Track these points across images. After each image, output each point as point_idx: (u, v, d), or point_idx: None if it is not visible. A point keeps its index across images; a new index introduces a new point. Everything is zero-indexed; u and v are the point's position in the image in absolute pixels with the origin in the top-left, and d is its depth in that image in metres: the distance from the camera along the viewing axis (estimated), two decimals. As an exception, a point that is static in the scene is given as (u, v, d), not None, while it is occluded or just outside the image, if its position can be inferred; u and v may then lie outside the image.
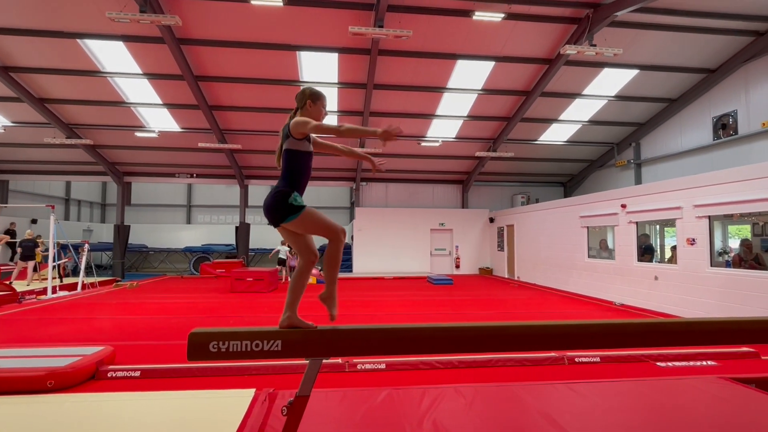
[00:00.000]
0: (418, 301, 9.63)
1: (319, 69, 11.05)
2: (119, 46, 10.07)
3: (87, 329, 6.49)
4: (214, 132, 13.24)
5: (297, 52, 10.44)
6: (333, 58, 10.64)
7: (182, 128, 13.60)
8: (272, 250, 14.23)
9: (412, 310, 8.37)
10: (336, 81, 11.51)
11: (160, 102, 12.26)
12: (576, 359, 4.85)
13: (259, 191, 20.36)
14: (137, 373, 4.21)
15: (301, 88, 2.67)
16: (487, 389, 3.77)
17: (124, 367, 4.31)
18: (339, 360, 4.52)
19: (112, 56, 10.49)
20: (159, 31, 9.13)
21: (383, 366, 4.57)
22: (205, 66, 10.94)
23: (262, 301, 9.56)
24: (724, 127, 10.96)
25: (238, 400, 3.41)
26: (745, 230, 8.94)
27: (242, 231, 16.49)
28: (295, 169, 2.51)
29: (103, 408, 3.29)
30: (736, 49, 10.38)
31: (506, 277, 15.37)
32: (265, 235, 18.80)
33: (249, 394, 3.54)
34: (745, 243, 7.40)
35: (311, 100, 2.59)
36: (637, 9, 8.59)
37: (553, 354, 4.83)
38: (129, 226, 16.55)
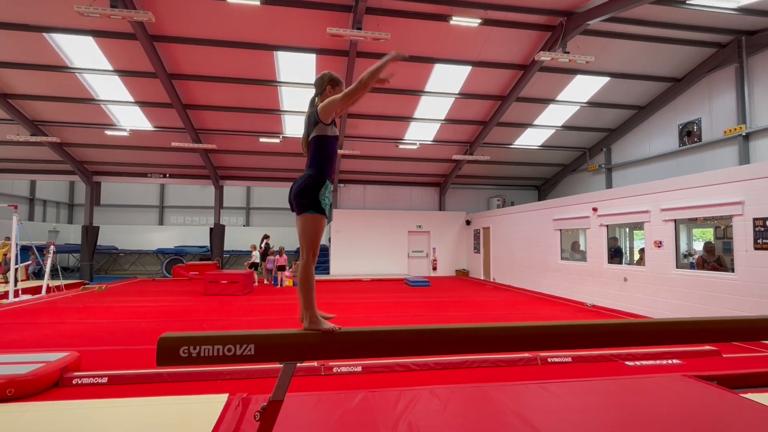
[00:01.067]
0: (395, 303, 9.65)
1: (297, 69, 10.96)
2: (88, 41, 9.75)
3: (51, 334, 6.24)
4: (188, 131, 12.96)
5: (274, 52, 10.33)
6: (311, 58, 10.57)
7: (155, 127, 13.26)
8: (247, 252, 14.02)
9: (389, 312, 8.37)
10: (314, 82, 11.42)
11: (132, 100, 11.92)
12: (549, 360, 4.94)
13: (235, 192, 20.05)
14: (104, 380, 4.08)
15: (320, 73, 2.65)
16: (462, 390, 3.80)
17: (90, 373, 4.16)
18: (315, 363, 4.48)
19: (81, 51, 10.14)
20: (131, 26, 8.89)
21: (359, 369, 4.56)
22: (180, 64, 10.70)
23: (237, 304, 9.40)
24: (689, 134, 11.41)
25: (210, 406, 3.34)
26: (709, 233, 9.33)
27: (217, 232, 16.18)
28: (326, 155, 2.46)
29: (67, 416, 3.16)
30: (701, 59, 10.83)
31: (482, 278, 15.56)
32: (241, 237, 18.53)
33: (222, 399, 3.47)
34: (707, 246, 7.71)
35: (331, 85, 2.58)
36: (609, 18, 8.86)
37: (526, 355, 4.92)
38: (98, 227, 16.00)
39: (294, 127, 13.57)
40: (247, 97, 11.96)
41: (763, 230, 6.04)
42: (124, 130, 13.18)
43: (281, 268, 13.33)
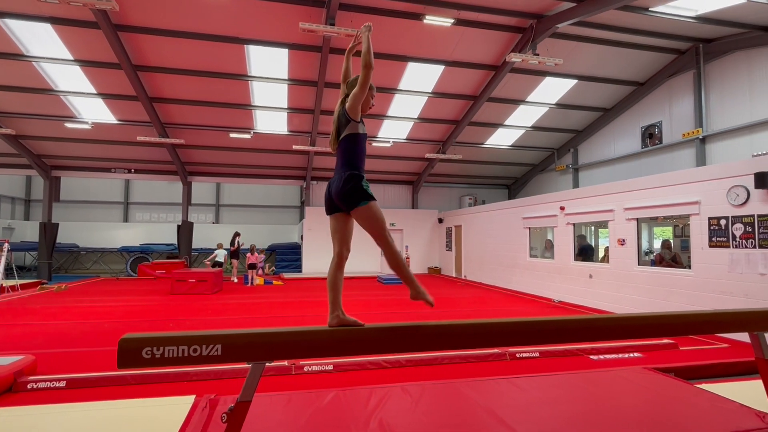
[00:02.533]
0: (368, 301, 9.64)
1: (269, 64, 10.76)
2: (47, 28, 9.27)
3: (5, 337, 5.92)
4: (154, 125, 12.54)
5: (245, 46, 10.11)
6: (283, 53, 10.41)
7: (119, 120, 12.76)
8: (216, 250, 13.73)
9: (361, 310, 8.36)
10: (286, 77, 11.27)
11: (94, 91, 11.43)
12: (517, 355, 5.05)
13: (204, 188, 19.55)
14: (62, 384, 3.90)
15: (354, 77, 2.74)
16: (433, 387, 3.84)
17: (47, 377, 3.97)
18: (285, 362, 4.43)
19: (38, 39, 9.63)
20: (93, 14, 8.51)
21: (331, 367, 4.53)
22: (146, 55, 10.33)
23: (205, 304, 9.18)
24: (651, 136, 11.87)
25: (176, 408, 3.24)
26: (669, 232, 9.74)
27: (185, 230, 15.74)
28: (359, 152, 2.54)
29: (21, 423, 3.00)
30: (662, 64, 11.28)
31: (454, 276, 15.76)
32: (209, 234, 18.09)
33: (188, 401, 3.38)
34: (665, 244, 8.06)
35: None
36: (577, 22, 9.10)
37: (496, 350, 5.01)
38: (57, 224, 15.27)
39: (265, 122, 13.34)
40: (217, 91, 11.67)
41: (717, 229, 6.36)
42: (86, 122, 12.63)
43: (252, 267, 13.10)
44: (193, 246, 16.57)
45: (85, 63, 10.33)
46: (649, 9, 8.72)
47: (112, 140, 13.77)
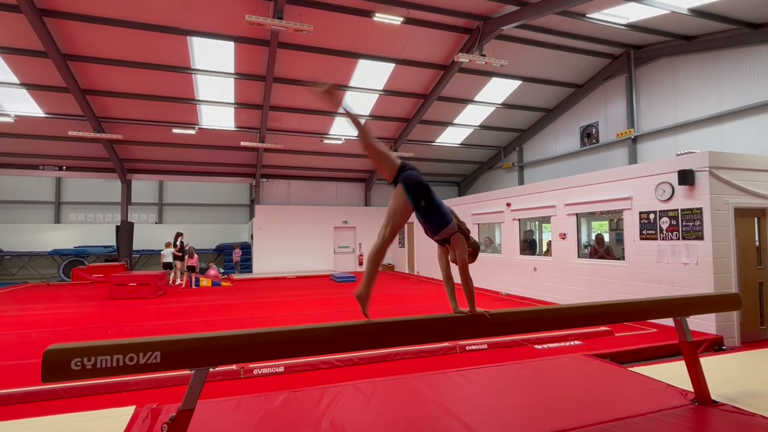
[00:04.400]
0: (319, 300, 9.54)
1: (214, 57, 10.35)
2: (-41, 11, 8.40)
3: None
4: (88, 119, 11.70)
5: (188, 38, 9.66)
6: (229, 46, 10.04)
7: (47, 113, 11.80)
8: (160, 251, 13.07)
9: (313, 310, 8.26)
10: (232, 71, 10.89)
11: (17, 81, 10.49)
12: (467, 347, 5.19)
13: (146, 187, 18.49)
14: (-19, 402, 3.55)
15: None
16: (385, 383, 3.86)
17: (-37, 395, 3.61)
18: (233, 366, 4.29)
19: (-52, 22, 8.71)
20: (14, -2, 7.81)
21: (282, 369, 4.44)
22: (76, 44, 9.60)
23: (147, 308, 8.71)
24: (589, 135, 12.59)
25: (114, 421, 3.06)
26: (605, 226, 10.36)
27: (124, 230, 14.82)
28: None
29: (-70, 448, 2.71)
30: (598, 68, 11.98)
31: (407, 272, 15.94)
32: (152, 235, 17.18)
33: (128, 412, 3.20)
34: (598, 237, 8.59)
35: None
36: (521, 25, 9.46)
37: (446, 344, 5.12)
38: (-25, 226, 13.91)
39: (211, 117, 12.83)
40: (158, 85, 11.08)
41: (647, 222, 6.84)
42: (8, 115, 11.58)
43: (191, 269, 12.52)
44: (135, 247, 15.66)
45: (6, 50, 9.46)
46: (586, 15, 9.22)
47: (40, 135, 12.72)
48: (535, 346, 5.38)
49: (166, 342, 1.93)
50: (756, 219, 6.24)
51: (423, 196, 2.59)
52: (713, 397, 3.34)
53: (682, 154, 6.55)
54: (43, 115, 11.84)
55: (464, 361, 4.78)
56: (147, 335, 5.63)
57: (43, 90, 10.86)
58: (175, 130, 12.94)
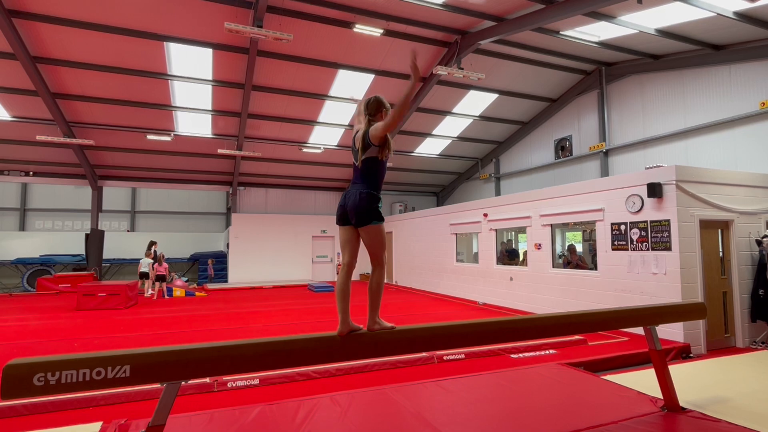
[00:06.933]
0: (296, 310, 9.42)
1: (191, 64, 10.21)
2: None
3: None
4: (58, 124, 11.34)
5: (165, 43, 9.51)
6: (207, 53, 9.93)
7: (14, 117, 11.39)
8: (133, 260, 12.66)
9: (289, 320, 8.15)
10: (210, 78, 10.77)
11: (-18, 83, 10.12)
12: (444, 357, 5.21)
13: (118, 194, 17.99)
14: (-66, 420, 3.36)
15: (373, 97, 2.80)
16: (362, 395, 3.83)
17: None
18: (207, 379, 4.18)
19: None
20: (-19, -2, 7.55)
21: (257, 381, 4.36)
22: (47, 46, 9.33)
23: (117, 319, 8.42)
24: (563, 148, 12.93)
25: (78, 438, 2.93)
26: (579, 236, 10.62)
27: (94, 239, 14.33)
28: (378, 174, 2.67)
29: None
30: (571, 83, 12.35)
31: (385, 282, 15.91)
32: (124, 244, 16.70)
33: (94, 429, 3.08)
34: (570, 247, 8.79)
35: (386, 109, 2.77)
36: (498, 40, 9.69)
37: (423, 354, 5.12)
38: (-68, 233, 13.23)
39: (187, 124, 12.62)
40: (133, 90, 10.84)
41: (618, 233, 7.05)
42: (-28, 118, 11.12)
43: (161, 278, 12.14)
44: (105, 256, 15.17)
45: (-30, 51, 9.11)
46: (560, 32, 9.52)
47: (6, 139, 12.25)
48: (512, 356, 5.44)
49: (136, 355, 1.87)
50: (719, 231, 6.50)
51: (376, 207, 2.63)
52: (681, 404, 3.44)
53: (651, 167, 6.79)
54: (9, 119, 11.42)
55: (441, 371, 4.78)
56: (116, 348, 5.44)
57: (9, 93, 10.49)
58: (150, 137, 12.67)
